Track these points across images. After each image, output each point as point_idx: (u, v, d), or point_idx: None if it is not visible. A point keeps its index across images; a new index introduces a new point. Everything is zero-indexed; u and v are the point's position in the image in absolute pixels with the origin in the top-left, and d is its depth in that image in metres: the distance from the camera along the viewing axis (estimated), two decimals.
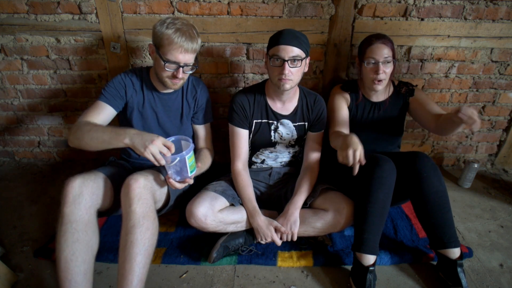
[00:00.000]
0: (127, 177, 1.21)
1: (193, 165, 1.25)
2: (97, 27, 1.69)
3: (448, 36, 1.74)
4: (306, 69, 1.39)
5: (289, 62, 1.28)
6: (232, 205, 1.44)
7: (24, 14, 1.67)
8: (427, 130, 2.01)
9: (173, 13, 1.66)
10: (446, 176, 2.07)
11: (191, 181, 1.31)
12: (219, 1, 1.64)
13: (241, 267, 1.38)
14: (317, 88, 1.89)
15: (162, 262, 1.39)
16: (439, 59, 1.81)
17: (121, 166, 1.47)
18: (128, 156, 1.52)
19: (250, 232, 1.43)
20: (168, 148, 1.13)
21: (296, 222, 1.38)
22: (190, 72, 1.36)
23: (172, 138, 1.29)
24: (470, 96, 1.94)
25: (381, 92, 1.56)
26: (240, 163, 1.48)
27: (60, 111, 1.96)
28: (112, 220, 1.59)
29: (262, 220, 1.38)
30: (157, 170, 1.35)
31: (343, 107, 1.56)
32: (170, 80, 1.32)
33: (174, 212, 1.64)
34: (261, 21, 1.68)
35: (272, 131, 1.51)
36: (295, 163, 1.64)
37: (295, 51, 1.28)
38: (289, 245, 1.47)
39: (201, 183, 1.57)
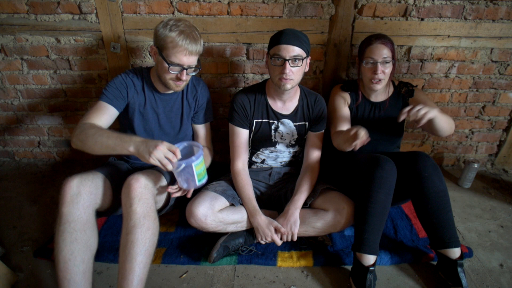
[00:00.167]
0: (128, 177, 1.21)
1: (202, 173, 1.22)
2: (97, 27, 1.69)
3: (448, 36, 1.74)
4: (307, 69, 1.39)
5: (290, 61, 1.29)
6: (232, 205, 1.44)
7: (24, 14, 1.67)
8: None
9: (173, 13, 1.66)
10: (446, 176, 2.07)
11: (189, 195, 1.33)
12: (219, 1, 1.64)
13: (241, 267, 1.38)
14: (317, 88, 1.89)
15: (162, 262, 1.39)
16: (439, 59, 1.81)
17: (121, 166, 1.47)
18: (128, 156, 1.51)
19: (250, 232, 1.43)
20: (174, 153, 1.12)
21: (296, 222, 1.38)
22: (194, 74, 1.35)
23: (184, 144, 1.26)
24: (470, 96, 1.94)
25: (381, 92, 1.56)
26: (240, 163, 1.48)
27: (60, 111, 1.96)
28: (112, 220, 1.59)
29: (262, 220, 1.38)
30: (158, 170, 1.35)
31: (343, 107, 1.56)
32: (173, 82, 1.32)
33: (174, 212, 1.64)
34: (261, 21, 1.68)
35: (273, 131, 1.51)
36: (295, 163, 1.65)
37: (296, 50, 1.28)
38: (289, 245, 1.47)
39: None
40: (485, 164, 2.18)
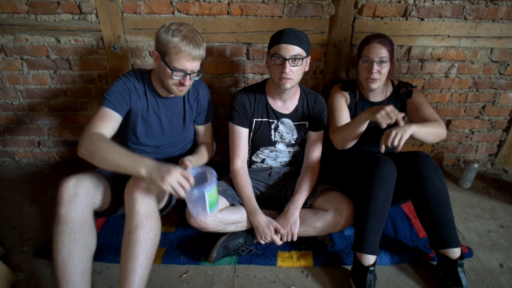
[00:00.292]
0: (131, 177, 1.20)
1: (214, 202, 1.20)
2: (97, 27, 1.69)
3: (448, 36, 1.74)
4: (307, 69, 1.39)
5: (290, 61, 1.29)
6: (232, 205, 1.44)
7: (24, 14, 1.67)
8: None
9: (173, 13, 1.66)
10: (446, 176, 2.07)
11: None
12: (219, 1, 1.64)
13: (241, 267, 1.38)
14: (317, 88, 1.89)
15: (162, 262, 1.38)
16: (439, 59, 1.81)
17: None
18: None
19: (250, 232, 1.43)
20: (187, 179, 1.11)
21: (296, 222, 1.37)
22: (197, 78, 1.34)
23: (198, 169, 1.24)
24: (470, 96, 1.94)
25: (379, 92, 1.56)
26: (239, 162, 1.48)
27: (60, 111, 1.96)
28: (112, 220, 1.59)
29: (262, 219, 1.38)
30: None
31: (343, 106, 1.56)
32: (176, 87, 1.30)
33: (174, 212, 1.64)
34: (261, 21, 1.68)
35: (273, 130, 1.51)
36: (295, 163, 1.65)
37: (296, 50, 1.28)
38: (289, 245, 1.46)
39: None
40: (485, 164, 2.18)
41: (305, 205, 1.43)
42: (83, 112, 1.96)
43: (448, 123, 2.03)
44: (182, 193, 1.09)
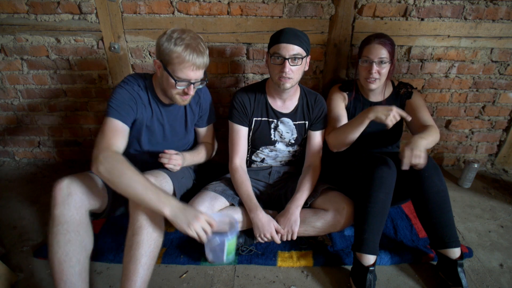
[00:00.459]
0: None
1: (232, 251, 1.19)
2: (97, 27, 1.69)
3: (448, 36, 1.74)
4: (307, 68, 1.39)
5: (289, 60, 1.29)
6: (232, 205, 1.44)
7: (24, 14, 1.67)
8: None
9: (173, 13, 1.66)
10: (446, 176, 2.07)
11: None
12: (219, 1, 1.64)
13: (241, 267, 1.38)
14: (317, 88, 1.89)
15: (162, 262, 1.38)
16: (439, 59, 1.81)
17: None
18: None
19: (250, 232, 1.43)
20: (210, 225, 1.12)
21: (296, 221, 1.37)
22: (201, 86, 1.31)
23: (220, 215, 1.24)
24: (470, 96, 1.94)
25: (379, 92, 1.56)
26: (238, 160, 1.48)
27: (60, 111, 1.96)
28: (111, 220, 1.59)
29: (263, 216, 1.37)
30: (164, 172, 1.34)
31: (341, 108, 1.56)
32: (180, 97, 1.28)
33: None
34: (261, 21, 1.68)
35: (272, 129, 1.52)
36: (295, 162, 1.65)
37: (295, 49, 1.28)
38: (289, 245, 1.47)
39: (201, 183, 1.57)
40: (485, 164, 2.18)
41: (305, 205, 1.43)
42: (83, 112, 1.96)
43: (448, 123, 2.03)
44: (205, 238, 1.11)
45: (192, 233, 1.09)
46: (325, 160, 1.58)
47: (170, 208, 1.09)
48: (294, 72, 1.32)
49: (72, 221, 1.11)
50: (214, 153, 1.65)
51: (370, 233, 1.25)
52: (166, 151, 1.34)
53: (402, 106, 1.58)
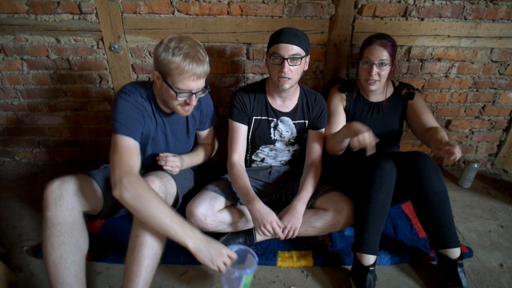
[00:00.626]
0: (144, 178, 1.18)
1: (248, 285, 1.19)
2: (97, 27, 1.69)
3: (448, 36, 1.74)
4: (306, 68, 1.39)
5: (288, 60, 1.29)
6: (232, 205, 1.44)
7: (24, 14, 1.67)
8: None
9: (173, 13, 1.66)
10: (446, 176, 2.07)
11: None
12: (219, 1, 1.64)
13: None
14: (317, 88, 1.89)
15: (162, 262, 1.38)
16: (439, 59, 1.81)
17: None
18: None
19: (250, 232, 1.43)
20: (230, 258, 1.14)
21: (300, 218, 1.34)
22: (202, 95, 1.27)
23: (241, 247, 1.24)
24: (470, 96, 1.94)
25: (379, 93, 1.56)
26: (236, 156, 1.47)
27: (60, 111, 1.96)
28: (111, 220, 1.59)
29: (261, 206, 1.32)
30: (168, 173, 1.34)
31: (339, 110, 1.57)
32: (182, 107, 1.25)
33: None
34: (261, 21, 1.68)
35: (272, 128, 1.52)
36: (295, 162, 1.65)
37: (295, 49, 1.28)
38: (289, 245, 1.46)
39: (201, 183, 1.57)
40: (485, 164, 2.18)
41: (306, 206, 1.43)
42: (83, 112, 1.96)
43: (448, 123, 2.03)
44: (224, 270, 1.12)
45: (214, 267, 1.11)
46: (325, 160, 1.58)
47: (194, 242, 1.09)
48: (293, 72, 1.32)
49: (65, 222, 1.09)
50: (214, 153, 1.65)
51: (370, 233, 1.25)
52: (162, 154, 1.35)
53: (404, 107, 1.58)
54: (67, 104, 1.94)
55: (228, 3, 1.64)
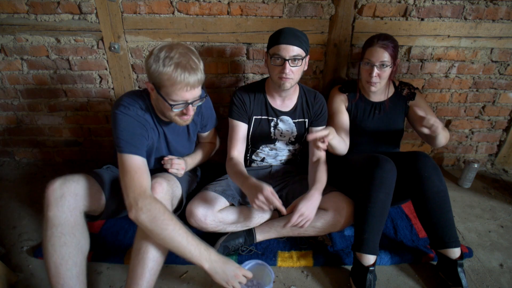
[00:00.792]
0: (151, 180, 1.17)
1: None
2: (97, 27, 1.69)
3: (448, 36, 1.74)
4: (306, 68, 1.40)
5: (289, 61, 1.29)
6: (232, 205, 1.44)
7: (24, 14, 1.67)
8: None
9: (173, 13, 1.66)
10: (446, 176, 2.07)
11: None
12: (219, 1, 1.64)
13: None
14: (318, 88, 1.89)
15: None
16: (439, 59, 1.81)
17: (115, 172, 1.40)
18: None
19: (250, 232, 1.43)
20: (246, 277, 1.15)
21: (316, 208, 1.29)
22: (200, 103, 1.23)
23: (258, 262, 1.25)
24: (470, 96, 1.94)
25: (380, 93, 1.56)
26: (236, 152, 1.46)
27: (60, 111, 1.96)
28: (112, 220, 1.59)
29: (254, 181, 1.24)
30: (172, 175, 1.35)
31: (342, 110, 1.56)
32: (179, 118, 1.21)
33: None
34: (261, 21, 1.68)
35: (272, 128, 1.52)
36: (295, 161, 1.65)
37: (295, 50, 1.28)
38: (289, 245, 1.47)
39: (201, 183, 1.57)
40: (485, 164, 2.18)
41: None
42: (83, 112, 1.96)
43: (448, 123, 2.03)
44: None
45: (229, 287, 1.12)
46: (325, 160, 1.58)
47: (210, 264, 1.10)
48: (295, 72, 1.32)
49: (66, 223, 1.08)
50: (217, 148, 1.65)
51: (370, 233, 1.25)
52: (167, 157, 1.35)
53: (405, 107, 1.58)
54: (67, 104, 1.94)
55: (228, 3, 1.64)
